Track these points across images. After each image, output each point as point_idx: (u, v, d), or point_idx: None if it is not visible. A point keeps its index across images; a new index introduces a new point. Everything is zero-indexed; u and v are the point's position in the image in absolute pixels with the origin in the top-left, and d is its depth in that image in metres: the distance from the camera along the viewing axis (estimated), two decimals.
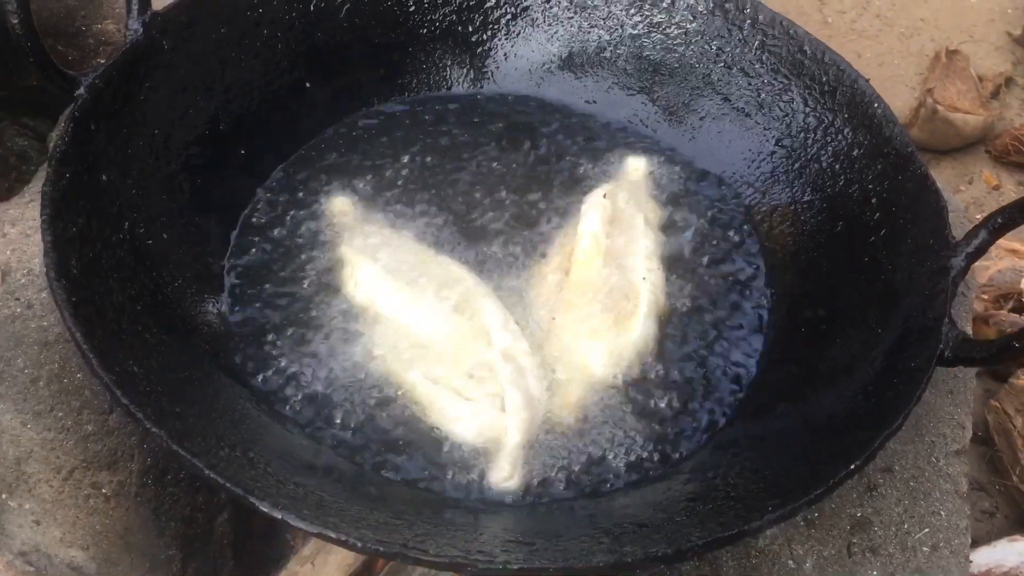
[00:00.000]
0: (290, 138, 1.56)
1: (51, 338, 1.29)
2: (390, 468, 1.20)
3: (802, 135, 1.52)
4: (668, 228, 1.52)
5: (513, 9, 1.70)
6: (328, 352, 1.30)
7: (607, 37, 1.70)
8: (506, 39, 1.71)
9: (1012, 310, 2.10)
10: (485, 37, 1.71)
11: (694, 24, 1.64)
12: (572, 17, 1.71)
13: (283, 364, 1.28)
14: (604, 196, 1.49)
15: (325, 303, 1.36)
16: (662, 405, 1.30)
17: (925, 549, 1.26)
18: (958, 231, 1.26)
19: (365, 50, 1.64)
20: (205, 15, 1.44)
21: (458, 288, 1.36)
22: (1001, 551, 1.77)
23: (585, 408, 1.28)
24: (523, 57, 1.72)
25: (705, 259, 1.48)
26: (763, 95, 1.57)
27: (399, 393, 1.27)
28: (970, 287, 1.54)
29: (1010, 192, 2.68)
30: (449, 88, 1.71)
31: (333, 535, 0.93)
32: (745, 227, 1.53)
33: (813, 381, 1.28)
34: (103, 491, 1.25)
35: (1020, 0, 3.12)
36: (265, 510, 0.94)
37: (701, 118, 1.64)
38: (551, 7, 1.71)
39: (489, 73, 1.72)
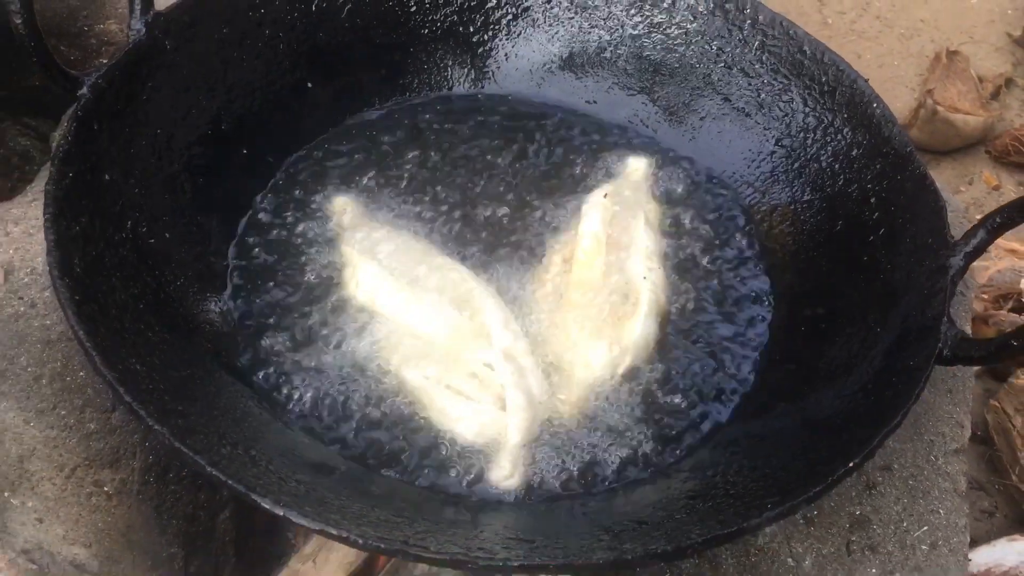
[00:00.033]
0: (292, 138, 1.57)
1: (54, 336, 1.29)
2: (391, 467, 1.21)
3: (802, 135, 1.52)
4: (668, 228, 1.52)
5: (514, 9, 1.71)
6: (329, 351, 1.31)
7: (607, 37, 1.70)
8: (507, 39, 1.72)
9: (1011, 310, 2.10)
10: (486, 37, 1.71)
11: (694, 24, 1.64)
12: (573, 17, 1.71)
13: (284, 363, 1.29)
14: (605, 196, 1.50)
15: (326, 302, 1.36)
16: (662, 404, 1.30)
17: (924, 547, 1.27)
18: (958, 232, 1.26)
19: (366, 50, 1.65)
20: (207, 15, 1.45)
21: (459, 287, 1.36)
22: (1000, 550, 1.77)
23: (585, 407, 1.28)
24: (524, 57, 1.73)
25: (705, 258, 1.48)
26: (763, 95, 1.58)
27: (400, 392, 1.27)
28: (969, 286, 1.55)
29: (1010, 192, 2.68)
30: (450, 88, 1.72)
31: (334, 532, 0.94)
32: (745, 226, 1.53)
33: (812, 380, 1.29)
34: (105, 489, 1.25)
35: (1020, 1, 3.12)
36: (267, 507, 0.94)
37: (701, 118, 1.65)
38: (552, 7, 1.71)
39: (490, 73, 1.72)
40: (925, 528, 1.28)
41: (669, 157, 1.63)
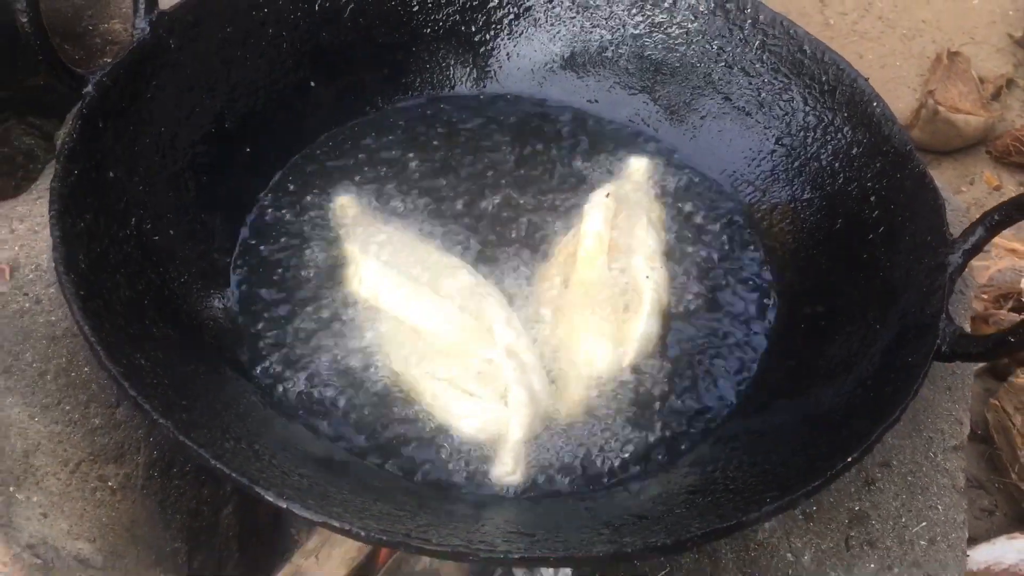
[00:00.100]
0: (295, 137, 1.57)
1: (59, 333, 1.30)
2: (393, 462, 1.21)
3: (802, 134, 1.53)
4: (670, 227, 1.53)
5: (516, 9, 1.72)
6: (332, 348, 1.31)
7: (609, 37, 1.71)
8: (509, 39, 1.73)
9: (1012, 309, 2.10)
10: (488, 37, 1.72)
11: (695, 24, 1.65)
12: (574, 17, 1.72)
13: (287, 359, 1.29)
14: (607, 195, 1.50)
15: (329, 299, 1.37)
16: (663, 401, 1.31)
17: (922, 543, 1.27)
18: (958, 232, 1.26)
19: (369, 50, 1.66)
20: (211, 15, 1.45)
21: (462, 285, 1.37)
22: (1000, 548, 1.77)
23: (588, 404, 1.29)
24: (526, 57, 1.73)
25: (706, 257, 1.49)
26: (763, 94, 1.58)
27: (402, 388, 1.28)
28: (968, 285, 1.55)
29: (1011, 193, 2.68)
30: (452, 87, 1.72)
31: (337, 524, 0.94)
32: (745, 225, 1.54)
33: (812, 377, 1.29)
34: (110, 484, 1.26)
35: (1021, 2, 3.12)
36: (270, 499, 0.95)
37: (702, 117, 1.65)
38: (553, 7, 1.72)
39: (492, 73, 1.73)
40: (924, 524, 1.29)
41: (670, 156, 1.64)
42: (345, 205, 1.49)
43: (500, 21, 1.72)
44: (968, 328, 1.50)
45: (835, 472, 1.03)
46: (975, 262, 1.37)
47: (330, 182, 1.53)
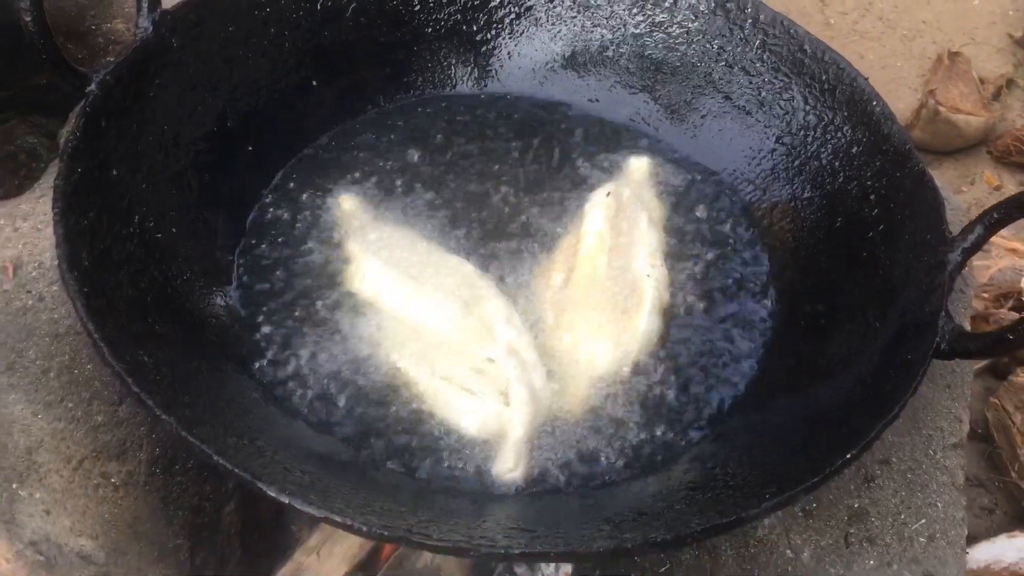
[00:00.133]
0: (297, 136, 1.58)
1: (62, 330, 1.31)
2: (394, 459, 1.22)
3: (802, 133, 1.53)
4: (671, 225, 1.53)
5: (517, 8, 1.72)
6: (334, 346, 1.32)
7: (610, 36, 1.71)
8: (510, 38, 1.73)
9: (1012, 309, 2.11)
10: (489, 36, 1.72)
11: (696, 23, 1.65)
12: (575, 16, 1.72)
13: (289, 357, 1.30)
14: (607, 194, 1.51)
15: (331, 298, 1.37)
16: (664, 399, 1.31)
17: (922, 539, 1.28)
18: (958, 231, 1.26)
19: (371, 49, 1.66)
20: (213, 14, 1.46)
21: (463, 284, 1.37)
22: (1000, 547, 1.78)
23: (589, 401, 1.30)
24: (527, 56, 1.74)
25: (707, 256, 1.50)
26: (764, 93, 1.59)
27: (404, 386, 1.28)
28: (968, 284, 1.56)
29: (1011, 192, 2.68)
30: (454, 87, 1.73)
31: (339, 520, 0.95)
32: (746, 224, 1.54)
33: (812, 374, 1.30)
34: (112, 481, 1.26)
35: (1021, 2, 3.13)
36: (273, 495, 0.96)
37: (703, 116, 1.66)
38: (554, 7, 1.72)
39: (493, 72, 1.73)
40: (923, 521, 1.29)
41: (671, 155, 1.64)
42: (346, 204, 1.49)
43: (501, 20, 1.72)
44: (968, 327, 1.51)
45: (834, 469, 1.03)
46: (975, 261, 1.37)
47: (332, 181, 1.53)
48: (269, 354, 1.30)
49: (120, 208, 1.26)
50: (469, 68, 1.72)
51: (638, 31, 1.69)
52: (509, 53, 1.73)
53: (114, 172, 1.26)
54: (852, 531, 1.28)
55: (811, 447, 1.14)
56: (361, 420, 1.25)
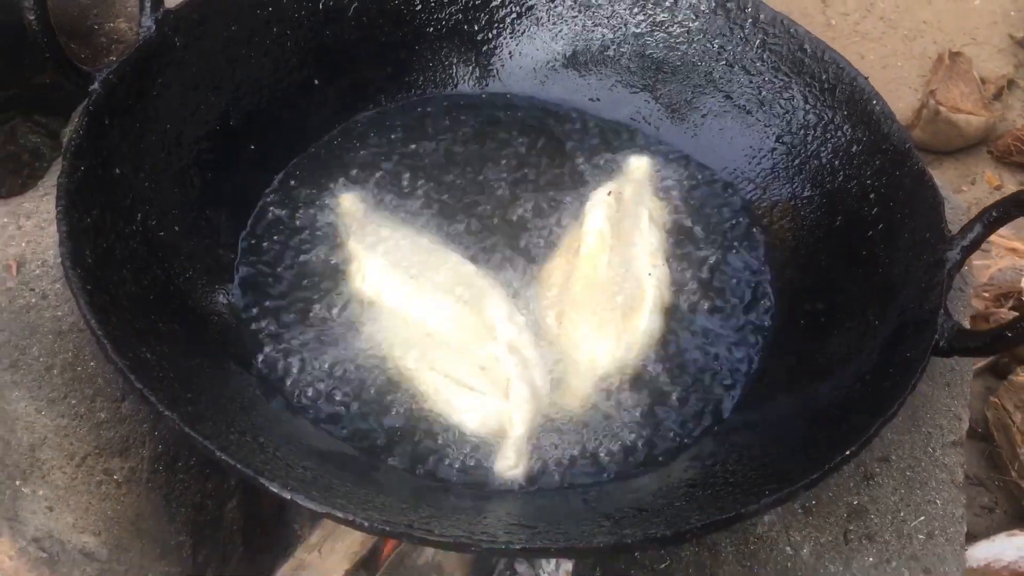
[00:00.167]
0: (299, 134, 1.58)
1: (65, 327, 1.31)
2: (396, 456, 1.22)
3: (802, 132, 1.54)
4: (671, 225, 1.54)
5: (518, 8, 1.72)
6: (335, 343, 1.32)
7: (611, 36, 1.72)
8: (511, 38, 1.73)
9: (1012, 308, 2.11)
10: (491, 36, 1.73)
11: (696, 23, 1.66)
12: (576, 16, 1.73)
13: (291, 354, 1.30)
14: (608, 193, 1.51)
15: (333, 296, 1.38)
16: (664, 396, 1.31)
17: (921, 537, 1.28)
18: (958, 230, 1.27)
19: (373, 48, 1.66)
20: (216, 13, 1.46)
21: (464, 282, 1.38)
22: (1000, 545, 1.78)
23: (589, 399, 1.30)
24: (528, 55, 1.74)
25: (707, 255, 1.50)
26: (764, 92, 1.59)
27: (405, 384, 1.29)
28: (968, 282, 1.56)
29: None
30: (455, 86, 1.73)
31: (340, 515, 0.95)
32: (746, 223, 1.54)
33: (812, 372, 1.30)
34: (115, 477, 1.27)
35: (1022, 3, 3.13)
36: (275, 491, 0.96)
37: (703, 115, 1.66)
38: (556, 6, 1.73)
39: (494, 71, 1.74)
40: (922, 518, 1.30)
41: (672, 154, 1.64)
42: (348, 202, 1.50)
43: (503, 20, 1.73)
44: (968, 325, 1.51)
45: (833, 465, 1.04)
46: (976, 261, 1.38)
47: (333, 179, 1.54)
48: (271, 352, 1.30)
49: (123, 206, 1.26)
50: (470, 67, 1.73)
51: (639, 30, 1.70)
52: (510, 52, 1.74)
53: (117, 170, 1.27)
54: (851, 528, 1.28)
55: (810, 444, 1.14)
56: (362, 417, 1.25)
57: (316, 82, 1.61)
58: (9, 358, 1.28)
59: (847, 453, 1.04)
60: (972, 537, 1.77)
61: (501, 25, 1.73)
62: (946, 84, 2.78)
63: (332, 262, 1.42)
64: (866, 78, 1.48)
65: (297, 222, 1.47)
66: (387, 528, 0.96)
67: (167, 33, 1.38)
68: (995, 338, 1.16)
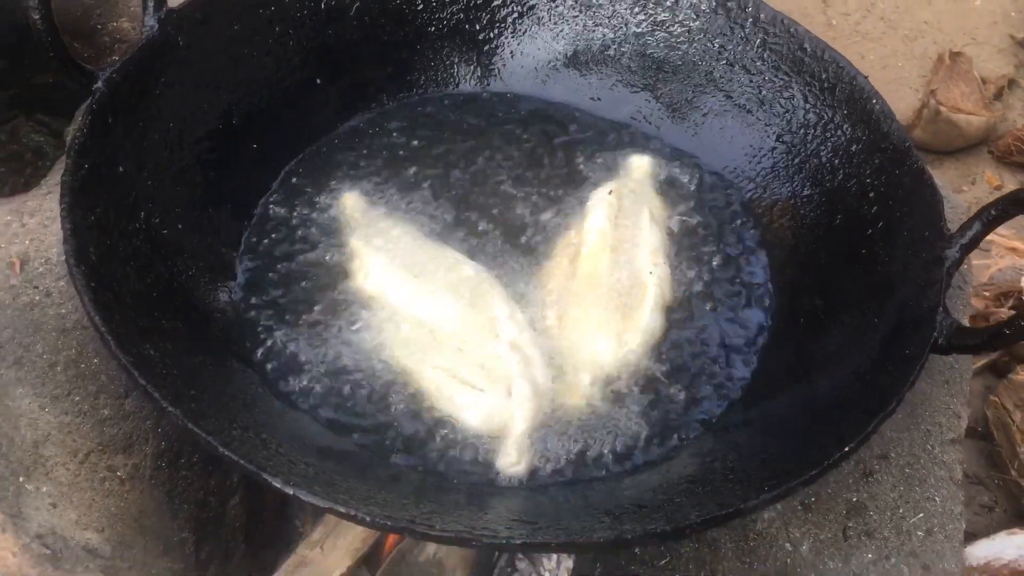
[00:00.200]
0: (301, 134, 1.59)
1: (68, 325, 1.32)
2: (398, 453, 1.23)
3: (802, 131, 1.54)
4: (672, 223, 1.54)
5: (519, 8, 1.73)
6: (338, 341, 1.33)
7: (611, 35, 1.72)
8: (512, 37, 1.74)
9: (1012, 308, 2.11)
10: (492, 35, 1.73)
11: (697, 22, 1.66)
12: (577, 16, 1.73)
13: (293, 352, 1.31)
14: (609, 192, 1.52)
15: (335, 294, 1.38)
16: (665, 394, 1.32)
17: (920, 533, 1.29)
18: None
19: (374, 48, 1.67)
20: (219, 12, 1.47)
21: (466, 281, 1.38)
22: (1000, 544, 1.78)
23: (591, 397, 1.30)
24: (529, 55, 1.74)
25: (708, 253, 1.50)
26: (764, 92, 1.60)
27: (407, 382, 1.29)
28: (967, 281, 1.56)
29: None
30: (456, 85, 1.74)
31: (343, 510, 0.96)
32: (746, 221, 1.55)
33: (811, 369, 1.30)
34: (118, 474, 1.27)
35: (1022, 3, 3.13)
36: (278, 486, 0.96)
37: (703, 115, 1.67)
38: (557, 6, 1.73)
39: (496, 71, 1.74)
40: (921, 515, 1.30)
41: (672, 153, 1.65)
42: (350, 201, 1.50)
43: (504, 20, 1.73)
44: (967, 324, 1.51)
45: (832, 462, 1.04)
46: (976, 261, 1.38)
47: (335, 178, 1.54)
48: (273, 349, 1.31)
49: (126, 204, 1.27)
50: (472, 67, 1.73)
51: (640, 30, 1.70)
52: (511, 52, 1.74)
53: (120, 169, 1.27)
54: (850, 525, 1.28)
55: (810, 441, 1.15)
56: (364, 414, 1.26)
57: (318, 81, 1.61)
58: (13, 355, 1.28)
59: (846, 450, 1.04)
60: (972, 536, 1.78)
61: (502, 24, 1.73)
62: (947, 84, 2.78)
63: (334, 260, 1.42)
64: (866, 77, 1.48)
65: (298, 220, 1.47)
66: (389, 523, 0.97)
67: (170, 32, 1.38)
68: (993, 335, 1.16)
